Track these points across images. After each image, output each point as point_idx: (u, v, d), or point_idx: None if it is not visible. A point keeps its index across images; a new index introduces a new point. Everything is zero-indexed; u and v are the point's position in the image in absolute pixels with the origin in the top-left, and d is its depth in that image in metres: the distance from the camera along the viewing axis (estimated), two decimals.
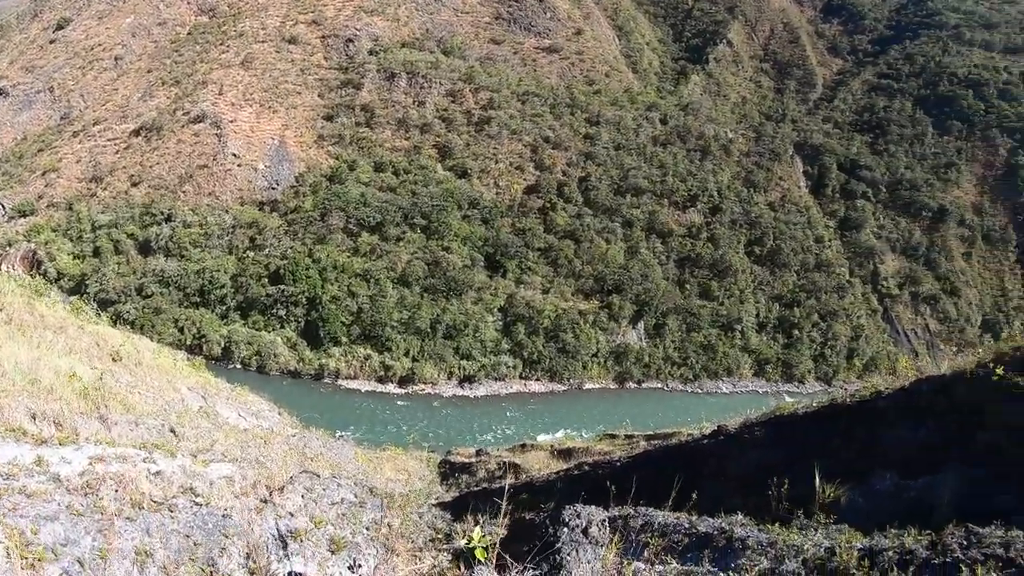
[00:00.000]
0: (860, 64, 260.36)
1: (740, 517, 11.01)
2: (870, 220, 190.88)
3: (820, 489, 11.70)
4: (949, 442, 11.93)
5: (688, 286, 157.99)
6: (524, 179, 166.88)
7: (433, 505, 15.38)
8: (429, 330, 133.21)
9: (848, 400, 15.68)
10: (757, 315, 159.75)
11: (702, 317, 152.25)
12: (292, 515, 11.99)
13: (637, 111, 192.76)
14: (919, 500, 11.44)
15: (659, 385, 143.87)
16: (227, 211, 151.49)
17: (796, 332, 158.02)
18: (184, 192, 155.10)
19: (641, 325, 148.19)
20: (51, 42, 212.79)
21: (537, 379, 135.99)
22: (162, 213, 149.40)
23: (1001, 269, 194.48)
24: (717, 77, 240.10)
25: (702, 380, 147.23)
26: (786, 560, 9.24)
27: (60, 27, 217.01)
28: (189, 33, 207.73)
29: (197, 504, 11.57)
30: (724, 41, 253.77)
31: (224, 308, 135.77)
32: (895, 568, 8.34)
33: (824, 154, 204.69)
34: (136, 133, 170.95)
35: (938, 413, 12.69)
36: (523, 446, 38.89)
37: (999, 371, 11.57)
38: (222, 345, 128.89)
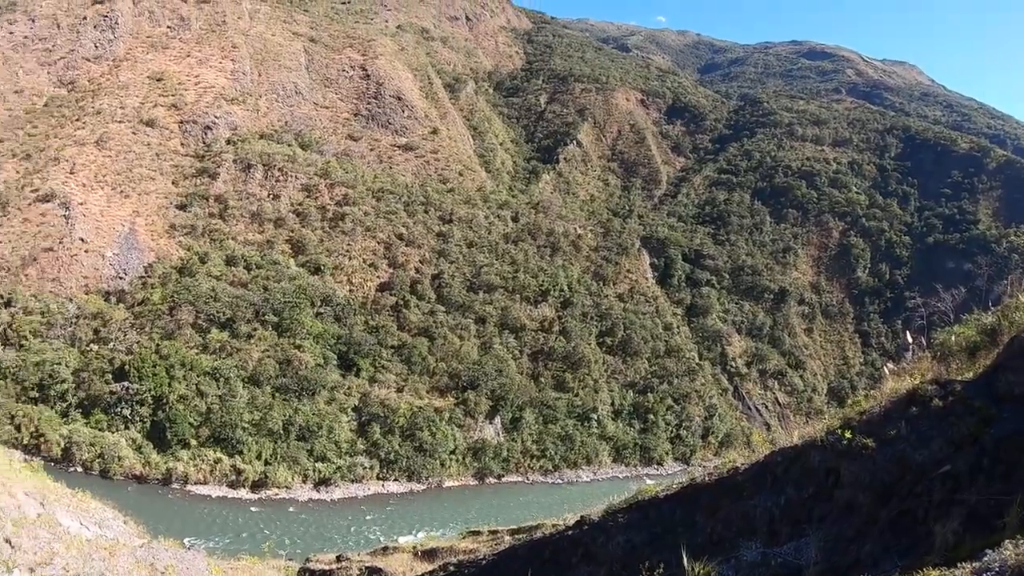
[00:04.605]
0: (702, 161, 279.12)
1: None
2: (716, 305, 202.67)
3: (689, 568, 11.83)
4: (809, 505, 12.32)
5: (543, 379, 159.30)
6: (378, 276, 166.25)
7: None
8: (282, 431, 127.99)
9: (708, 478, 16.11)
10: (612, 403, 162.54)
11: (558, 408, 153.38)
12: None
13: (489, 209, 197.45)
14: (787, 564, 11.73)
15: (519, 478, 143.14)
16: (71, 299, 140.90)
17: (651, 416, 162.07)
18: (26, 275, 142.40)
19: (498, 420, 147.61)
20: None
21: (395, 479, 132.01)
22: (2, 297, 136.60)
23: (842, 340, 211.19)
24: (567, 176, 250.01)
25: (562, 470, 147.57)
26: None
27: None
28: (46, 105, 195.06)
29: None
30: (574, 142, 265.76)
31: (65, 405, 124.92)
32: None
33: (670, 246, 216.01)
34: None
35: (795, 480, 13.16)
36: (385, 549, 37.79)
37: (848, 434, 12.24)
38: (62, 446, 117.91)
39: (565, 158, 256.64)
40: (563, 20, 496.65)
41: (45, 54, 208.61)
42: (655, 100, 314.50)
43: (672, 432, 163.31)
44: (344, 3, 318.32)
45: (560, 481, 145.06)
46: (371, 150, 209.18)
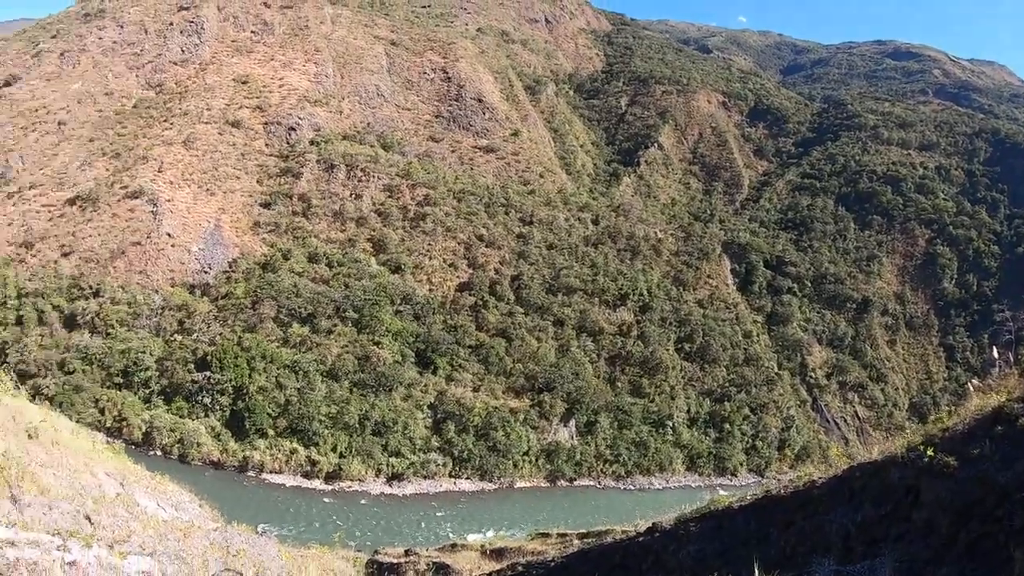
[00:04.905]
0: (784, 165, 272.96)
1: None
2: (797, 314, 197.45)
3: None
4: (886, 523, 12.04)
5: (619, 384, 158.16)
6: (457, 276, 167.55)
7: None
8: (357, 426, 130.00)
9: (783, 490, 15.86)
10: (688, 411, 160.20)
11: (633, 414, 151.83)
12: None
13: (570, 211, 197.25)
14: None
15: (591, 483, 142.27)
16: (157, 291, 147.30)
17: (727, 426, 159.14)
18: (115, 268, 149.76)
19: (572, 423, 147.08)
20: None
21: (467, 477, 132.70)
22: (91, 287, 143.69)
23: (925, 353, 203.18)
24: (648, 179, 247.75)
25: (635, 476, 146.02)
26: None
27: (7, 84, 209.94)
28: (135, 106, 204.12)
29: None
30: (655, 144, 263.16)
31: (148, 391, 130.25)
32: None
33: (751, 252, 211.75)
34: (71, 202, 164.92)
35: (873, 496, 12.85)
36: (453, 546, 37.93)
37: (930, 452, 11.85)
38: (143, 430, 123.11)
39: (646, 161, 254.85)
40: (642, 21, 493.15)
41: (134, 58, 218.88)
42: (737, 102, 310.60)
43: (747, 443, 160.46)
44: (424, 7, 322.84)
45: (632, 487, 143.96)
46: (452, 151, 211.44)
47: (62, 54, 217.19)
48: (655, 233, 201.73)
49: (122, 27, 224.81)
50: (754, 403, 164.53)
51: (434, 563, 31.25)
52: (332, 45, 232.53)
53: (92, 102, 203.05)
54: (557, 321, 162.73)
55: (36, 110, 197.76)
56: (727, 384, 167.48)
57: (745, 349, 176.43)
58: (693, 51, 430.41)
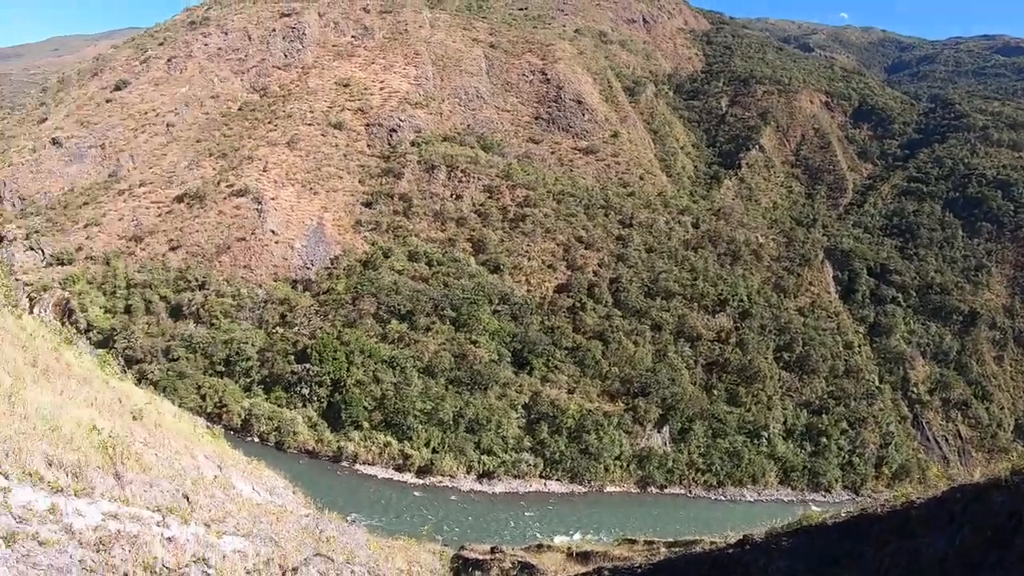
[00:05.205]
0: (890, 168, 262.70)
1: None
2: (900, 325, 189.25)
3: None
4: (985, 550, 12.11)
5: (715, 391, 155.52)
6: (555, 277, 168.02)
7: None
8: (451, 422, 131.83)
9: (879, 509, 15.56)
10: (784, 422, 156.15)
11: (728, 423, 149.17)
12: None
13: (670, 214, 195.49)
14: None
15: (682, 491, 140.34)
16: (260, 285, 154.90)
17: (824, 440, 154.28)
18: (220, 262, 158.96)
19: (666, 429, 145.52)
20: (107, 101, 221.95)
21: (557, 479, 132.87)
22: (196, 280, 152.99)
23: None
24: (749, 182, 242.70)
25: (726, 487, 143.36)
26: None
27: (118, 88, 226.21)
28: (240, 109, 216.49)
29: None
30: (756, 146, 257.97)
31: (248, 380, 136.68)
32: None
33: (854, 259, 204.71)
34: (179, 199, 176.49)
35: (973, 521, 12.61)
36: (539, 546, 38.06)
37: None
38: (242, 417, 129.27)
39: (747, 163, 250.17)
40: (741, 20, 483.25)
41: (238, 63, 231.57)
42: (840, 102, 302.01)
43: (844, 458, 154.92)
44: (521, 9, 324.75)
45: (723, 497, 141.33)
46: (552, 153, 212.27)
47: (169, 60, 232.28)
48: (756, 238, 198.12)
49: (227, 34, 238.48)
50: (852, 417, 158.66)
51: (519, 562, 31.50)
52: (431, 48, 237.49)
53: (199, 105, 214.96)
54: (655, 325, 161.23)
55: (145, 113, 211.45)
56: (825, 396, 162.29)
57: (846, 360, 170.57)
58: (794, 50, 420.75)
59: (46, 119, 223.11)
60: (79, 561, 9.75)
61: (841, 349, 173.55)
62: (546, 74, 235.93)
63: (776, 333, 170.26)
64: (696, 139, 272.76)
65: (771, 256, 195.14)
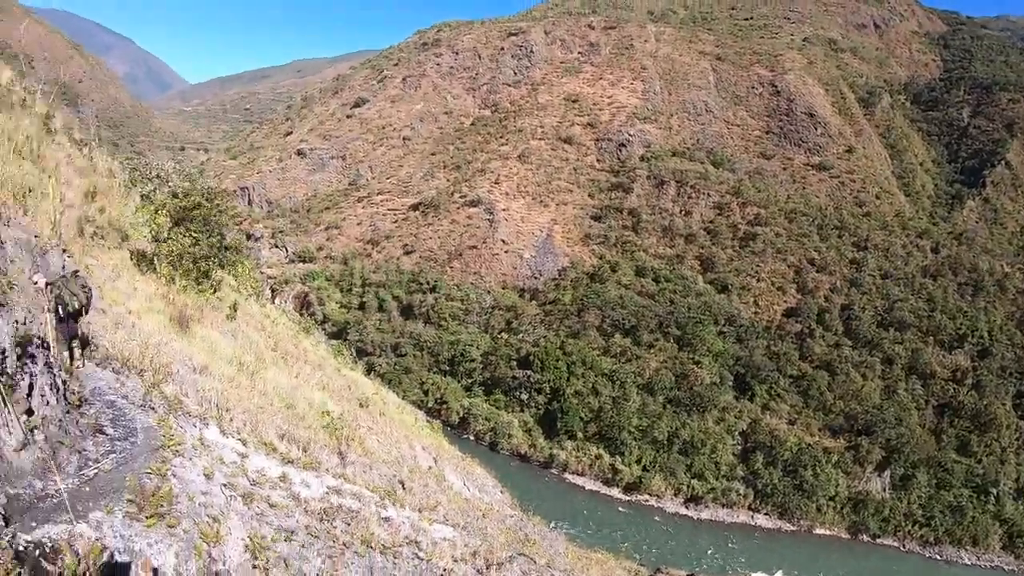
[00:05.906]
0: None
1: None
2: None
3: None
4: None
5: (945, 437, 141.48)
6: (785, 300, 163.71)
7: None
8: (665, 442, 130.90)
9: None
10: (1017, 479, 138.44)
11: (955, 474, 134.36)
12: None
13: (907, 237, 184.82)
14: None
15: (895, 543, 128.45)
16: (489, 292, 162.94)
17: None
18: (451, 267, 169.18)
19: (887, 474, 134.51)
20: (347, 116, 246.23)
21: (766, 513, 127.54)
22: (428, 283, 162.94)
23: None
24: (994, 203, 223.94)
25: (943, 546, 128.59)
26: None
27: (357, 105, 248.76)
28: (472, 124, 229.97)
29: (419, 558, 12.80)
30: (1002, 163, 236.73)
31: (470, 381, 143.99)
32: None
33: None
34: (414, 207, 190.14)
35: None
36: None
37: None
38: (460, 415, 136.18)
39: (992, 181, 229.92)
40: (980, 19, 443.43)
41: (470, 80, 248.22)
42: None
43: None
44: (747, 19, 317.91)
45: (937, 556, 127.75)
46: (784, 169, 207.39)
47: (404, 79, 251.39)
48: (1001, 267, 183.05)
49: (457, 54, 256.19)
50: None
51: None
52: (657, 63, 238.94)
53: (433, 120, 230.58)
54: (886, 359, 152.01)
55: (383, 127, 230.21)
56: None
57: None
58: None
59: (291, 132, 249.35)
60: (304, 527, 10.93)
61: None
62: (776, 86, 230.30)
63: (1018, 377, 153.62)
64: (936, 154, 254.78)
65: (1017, 288, 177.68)
